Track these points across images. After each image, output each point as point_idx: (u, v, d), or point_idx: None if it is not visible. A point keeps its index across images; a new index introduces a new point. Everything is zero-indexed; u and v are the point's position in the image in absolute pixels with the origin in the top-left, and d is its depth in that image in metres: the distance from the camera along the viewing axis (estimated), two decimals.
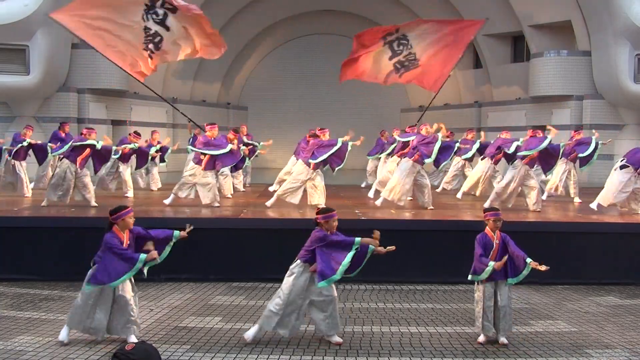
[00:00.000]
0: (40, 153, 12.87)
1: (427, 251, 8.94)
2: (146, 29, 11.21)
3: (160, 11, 11.21)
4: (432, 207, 11.04)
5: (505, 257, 6.16)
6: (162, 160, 14.39)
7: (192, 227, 6.24)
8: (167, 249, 6.27)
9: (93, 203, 10.81)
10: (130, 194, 12.80)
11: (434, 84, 11.98)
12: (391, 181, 11.23)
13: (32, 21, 16.68)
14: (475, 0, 21.25)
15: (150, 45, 11.27)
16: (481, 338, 6.22)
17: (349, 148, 11.08)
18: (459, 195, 13.11)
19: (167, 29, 11.30)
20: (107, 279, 5.83)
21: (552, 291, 8.56)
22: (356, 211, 10.70)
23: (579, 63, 19.01)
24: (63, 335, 6.00)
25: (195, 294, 8.12)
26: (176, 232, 6.21)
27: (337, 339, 6.14)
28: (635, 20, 16.69)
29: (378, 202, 11.30)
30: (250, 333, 6.11)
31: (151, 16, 11.22)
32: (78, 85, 18.65)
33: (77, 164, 10.66)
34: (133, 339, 5.88)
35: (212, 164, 10.90)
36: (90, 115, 18.79)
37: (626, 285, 8.90)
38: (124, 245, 5.97)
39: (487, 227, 6.32)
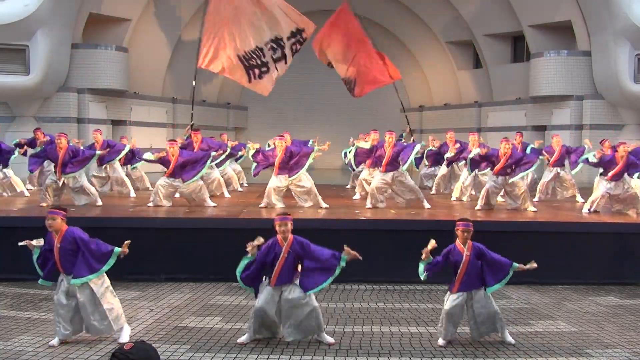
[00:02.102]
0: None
1: None
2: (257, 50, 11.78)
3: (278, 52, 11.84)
4: (429, 206, 11.07)
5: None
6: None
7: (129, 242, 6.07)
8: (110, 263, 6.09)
9: (99, 202, 10.88)
10: (132, 193, 12.86)
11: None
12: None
13: (32, 21, 16.67)
14: (476, 0, 21.25)
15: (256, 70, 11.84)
16: (440, 341, 6.18)
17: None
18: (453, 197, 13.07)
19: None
20: None
21: (552, 291, 8.56)
22: (356, 211, 10.70)
23: (579, 63, 19.00)
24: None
25: (195, 294, 8.12)
26: (117, 249, 6.03)
27: (329, 339, 6.17)
28: (635, 20, 16.69)
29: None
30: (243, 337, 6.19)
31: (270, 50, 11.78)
32: (78, 85, 18.64)
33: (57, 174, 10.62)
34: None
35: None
36: (90, 115, 18.78)
37: (626, 285, 8.90)
38: (54, 248, 5.97)
39: (457, 239, 6.19)
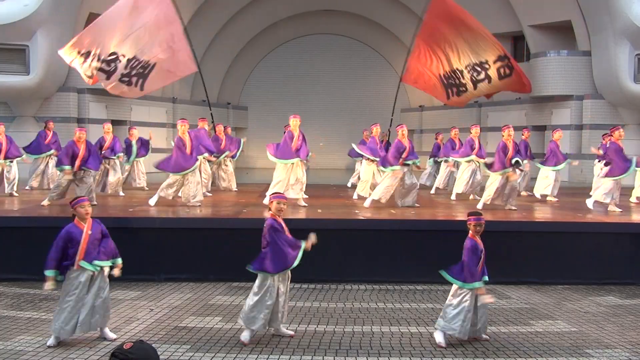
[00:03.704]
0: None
1: (427, 251, 8.94)
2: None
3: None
4: (417, 205, 11.18)
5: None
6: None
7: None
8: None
9: (94, 201, 10.92)
10: (120, 192, 12.85)
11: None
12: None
13: (32, 21, 16.67)
14: (476, 0, 21.24)
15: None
16: (442, 340, 6.11)
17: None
18: (452, 197, 13.04)
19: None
20: None
21: (552, 291, 8.56)
22: (356, 211, 10.70)
23: (579, 63, 19.00)
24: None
25: (195, 294, 8.12)
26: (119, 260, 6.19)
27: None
28: (635, 20, 16.68)
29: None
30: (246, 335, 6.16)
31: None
32: (78, 85, 18.62)
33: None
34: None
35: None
36: (90, 115, 18.79)
37: (626, 285, 8.90)
38: (84, 234, 5.98)
39: (471, 232, 6.19)
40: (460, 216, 10.51)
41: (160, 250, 8.98)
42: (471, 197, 12.79)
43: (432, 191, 14.31)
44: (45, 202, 10.65)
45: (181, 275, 8.80)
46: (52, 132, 13.79)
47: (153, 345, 3.04)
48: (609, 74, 17.86)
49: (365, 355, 5.86)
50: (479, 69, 12.38)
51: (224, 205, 11.61)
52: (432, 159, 15.26)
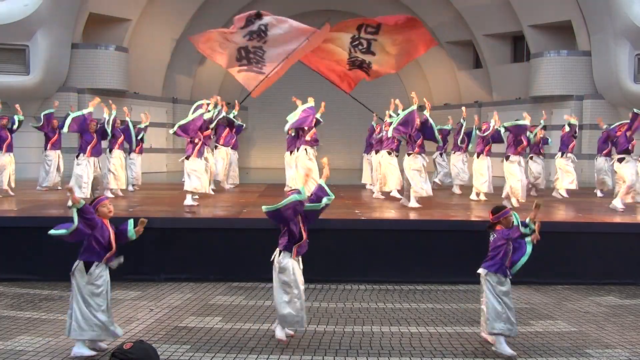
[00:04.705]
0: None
1: (427, 251, 8.94)
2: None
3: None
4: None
5: None
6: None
7: (145, 221, 5.91)
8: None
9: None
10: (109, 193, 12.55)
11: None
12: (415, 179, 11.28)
13: (32, 21, 16.68)
14: (476, 0, 21.25)
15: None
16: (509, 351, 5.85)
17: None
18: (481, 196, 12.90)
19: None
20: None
21: (552, 291, 8.56)
22: (356, 211, 10.70)
23: (579, 63, 19.00)
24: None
25: (195, 294, 8.12)
26: (131, 229, 5.92)
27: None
28: (635, 20, 16.69)
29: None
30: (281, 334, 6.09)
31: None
32: (78, 85, 18.66)
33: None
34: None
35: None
36: None
37: (626, 285, 8.90)
38: (112, 234, 5.87)
39: (501, 226, 6.27)
40: (460, 216, 10.50)
41: (160, 250, 8.98)
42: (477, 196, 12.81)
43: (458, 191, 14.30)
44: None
45: (181, 275, 8.80)
46: (57, 129, 13.77)
47: (153, 345, 3.05)
48: (609, 74, 17.87)
49: (365, 355, 5.86)
50: (356, 42, 12.57)
51: (224, 205, 11.61)
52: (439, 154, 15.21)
